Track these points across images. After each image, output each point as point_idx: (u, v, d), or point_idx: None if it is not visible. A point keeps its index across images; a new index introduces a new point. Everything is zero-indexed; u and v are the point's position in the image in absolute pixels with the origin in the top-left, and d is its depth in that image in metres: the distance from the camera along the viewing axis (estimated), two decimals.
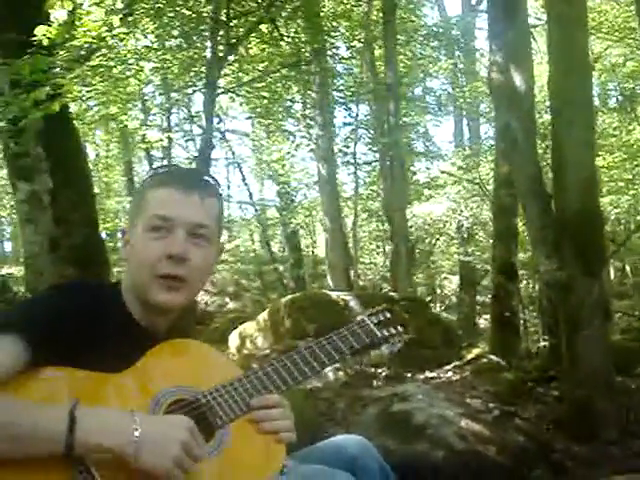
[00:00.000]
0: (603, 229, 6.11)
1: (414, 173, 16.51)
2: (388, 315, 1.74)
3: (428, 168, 16.90)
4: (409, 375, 6.62)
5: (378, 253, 18.24)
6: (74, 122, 7.48)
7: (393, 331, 1.73)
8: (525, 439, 5.18)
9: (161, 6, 8.96)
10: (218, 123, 16.06)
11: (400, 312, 1.74)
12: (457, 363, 7.17)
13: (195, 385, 1.54)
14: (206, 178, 1.72)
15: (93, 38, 7.27)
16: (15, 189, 6.79)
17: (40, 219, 6.46)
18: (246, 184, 19.41)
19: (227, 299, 15.98)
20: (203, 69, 9.75)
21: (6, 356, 1.39)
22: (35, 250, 6.55)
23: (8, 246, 22.19)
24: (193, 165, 11.15)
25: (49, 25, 6.31)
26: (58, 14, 6.90)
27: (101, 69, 8.54)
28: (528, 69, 6.49)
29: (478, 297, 14.94)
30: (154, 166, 15.03)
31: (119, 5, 8.15)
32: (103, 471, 1.33)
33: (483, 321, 14.50)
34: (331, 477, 1.47)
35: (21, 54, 6.02)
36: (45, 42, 6.03)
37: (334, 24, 13.13)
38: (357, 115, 16.04)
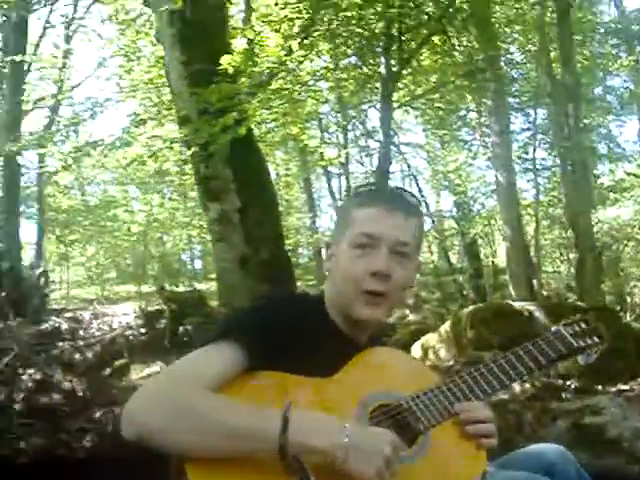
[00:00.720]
0: None
1: (597, 177, 15.80)
2: (584, 325, 1.74)
3: (612, 171, 16.10)
4: (599, 388, 6.35)
5: (562, 261, 17.59)
6: (257, 144, 7.84)
7: (589, 342, 1.72)
8: None
9: (335, 26, 9.21)
10: (393, 137, 16.22)
11: (595, 322, 1.73)
12: None
13: (398, 391, 1.62)
14: (409, 198, 1.80)
15: (273, 63, 7.61)
16: (206, 210, 7.22)
17: (231, 237, 6.84)
18: (423, 196, 19.39)
19: (407, 311, 15.99)
20: (378, 85, 9.91)
21: (227, 362, 1.53)
22: (227, 266, 6.94)
23: (198, 264, 23.47)
24: (371, 180, 11.33)
25: (232, 54, 6.70)
26: (239, 43, 7.32)
27: (282, 92, 8.91)
28: None
29: None
30: (353, 186, 15.45)
31: (296, 29, 8.48)
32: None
33: None
34: None
35: (209, 83, 6.44)
36: (230, 70, 6.41)
37: (507, 29, 12.91)
38: (535, 120, 15.63)
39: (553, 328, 1.70)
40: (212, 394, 1.49)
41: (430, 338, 8.63)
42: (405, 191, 1.84)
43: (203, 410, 1.43)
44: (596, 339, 1.73)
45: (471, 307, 9.24)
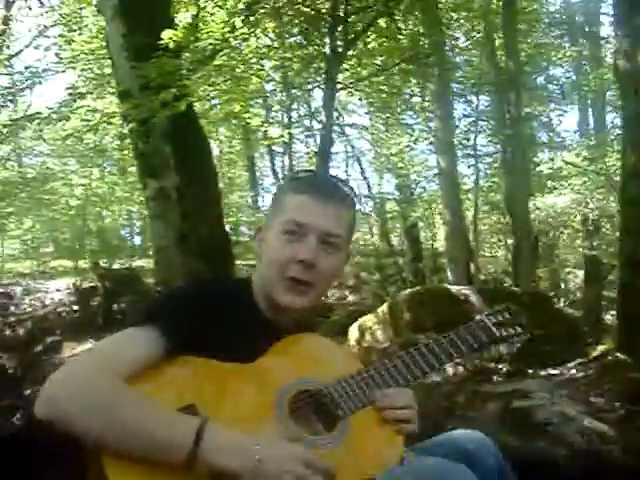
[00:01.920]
0: None
1: (537, 164, 16.07)
2: (507, 315, 1.75)
3: (552, 159, 16.41)
4: (530, 371, 6.50)
5: (500, 247, 17.92)
6: (199, 120, 7.73)
7: (512, 331, 1.74)
8: None
9: (281, 5, 9.13)
10: (337, 118, 16.23)
11: (521, 311, 1.75)
12: (581, 360, 6.97)
13: (318, 377, 1.61)
14: (343, 188, 1.79)
15: (216, 39, 7.49)
16: (145, 186, 7.10)
17: (169, 214, 6.74)
18: (365, 178, 19.53)
19: (346, 292, 16.09)
20: (322, 65, 9.87)
21: (147, 346, 1.51)
22: (164, 244, 6.84)
23: (138, 240, 23.19)
24: (314, 160, 11.32)
25: (174, 29, 6.57)
26: (182, 17, 7.18)
27: (224, 69, 8.79)
28: None
29: (605, 292, 14.42)
30: (295, 168, 15.40)
31: (241, 6, 8.37)
32: None
33: (610, 317, 13.98)
34: (450, 470, 1.49)
35: (149, 57, 6.30)
36: (171, 45, 6.29)
37: (453, 15, 12.98)
38: (477, 106, 15.81)
39: (477, 317, 1.71)
40: (131, 391, 1.47)
41: (367, 319, 8.69)
42: (341, 181, 1.83)
43: (120, 410, 1.42)
44: (518, 329, 1.75)
45: (409, 290, 9.34)
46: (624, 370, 6.44)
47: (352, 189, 1.82)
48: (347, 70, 11.76)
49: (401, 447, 1.57)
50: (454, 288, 8.40)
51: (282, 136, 14.67)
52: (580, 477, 4.42)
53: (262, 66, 10.35)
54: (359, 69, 12.16)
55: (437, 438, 1.77)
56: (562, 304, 14.63)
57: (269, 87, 14.04)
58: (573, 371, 6.57)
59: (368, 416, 1.59)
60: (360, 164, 19.82)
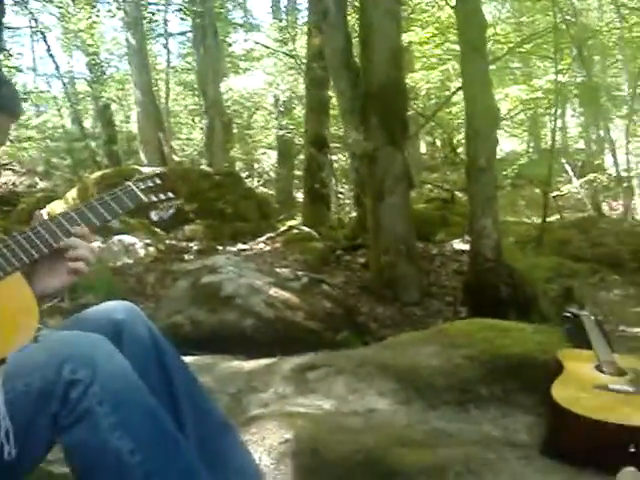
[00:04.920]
0: (407, 101, 6.26)
1: (230, 45, 16.03)
2: (158, 181, 1.67)
3: (246, 40, 16.46)
4: (221, 248, 6.64)
5: (195, 128, 17.84)
6: None
7: (162, 197, 1.66)
8: (332, 304, 5.37)
9: None
10: None
11: (174, 180, 1.67)
12: (270, 235, 7.26)
13: None
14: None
15: None
16: None
17: None
18: (52, 55, 18.08)
19: (37, 179, 15.19)
20: None
21: None
22: None
23: None
24: None
25: None
26: None
27: None
28: None
29: (297, 171, 15.09)
30: None
31: None
32: None
33: (301, 195, 14.72)
34: (84, 338, 1.41)
35: None
36: None
37: None
38: None
39: (125, 184, 1.61)
40: None
41: (56, 205, 8.32)
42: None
43: None
44: (170, 194, 1.67)
45: (99, 172, 9.03)
46: (308, 242, 6.84)
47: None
48: None
49: (33, 326, 1.43)
50: (146, 169, 8.26)
51: None
52: (268, 343, 4.63)
53: None
54: None
55: (86, 312, 1.68)
56: (256, 183, 15.11)
57: None
58: (261, 245, 6.83)
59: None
60: (45, 40, 18.31)
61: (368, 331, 5.36)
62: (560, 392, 2.45)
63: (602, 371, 2.64)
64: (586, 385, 2.54)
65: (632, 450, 2.14)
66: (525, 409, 2.68)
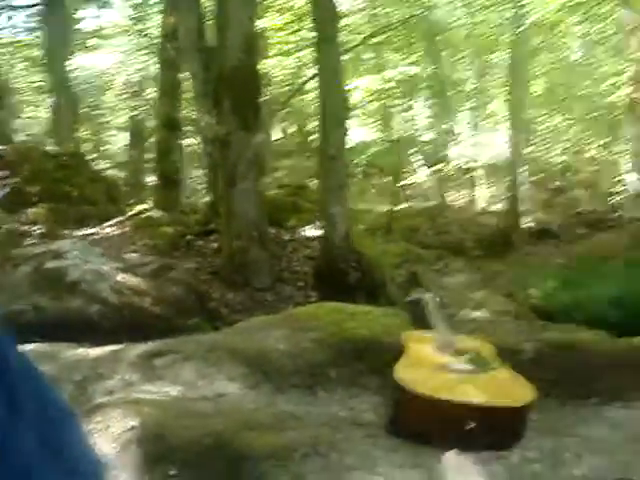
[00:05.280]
0: (260, 87, 6.24)
1: (78, 21, 15.34)
2: None
3: (97, 17, 15.82)
4: (66, 232, 6.36)
5: (41, 107, 16.99)
6: None
7: None
8: (183, 290, 5.30)
9: None
10: None
11: (11, 160, 1.59)
12: (119, 219, 7.05)
13: None
14: None
15: None
16: None
17: None
18: None
19: None
20: None
21: None
22: None
23: None
24: None
25: None
26: None
27: None
28: None
29: (149, 154, 14.69)
30: None
31: None
32: None
33: (153, 178, 14.36)
34: None
35: None
36: None
37: None
38: None
39: None
40: None
41: None
42: None
43: None
44: (3, 173, 1.59)
45: None
46: (158, 226, 6.69)
47: None
48: None
49: None
50: None
51: None
52: (115, 330, 4.51)
53: None
54: None
55: None
56: (105, 165, 14.60)
57: None
58: (109, 230, 6.62)
59: None
60: None
61: (219, 316, 5.34)
62: (403, 373, 2.54)
63: (442, 352, 2.76)
64: (428, 365, 2.65)
65: (470, 427, 2.26)
66: (372, 390, 2.76)
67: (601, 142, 14.90)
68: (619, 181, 12.79)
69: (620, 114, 12.87)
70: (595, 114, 15.44)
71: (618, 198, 12.43)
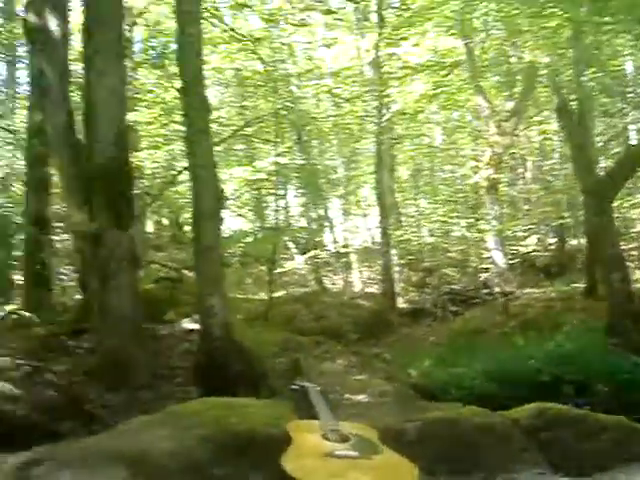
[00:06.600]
0: (132, 180, 6.21)
1: None
2: None
3: None
4: None
5: None
6: None
7: None
8: (56, 393, 5.08)
9: None
10: None
11: None
12: None
13: None
14: None
15: None
16: None
17: None
18: None
19: None
20: None
21: None
22: None
23: None
24: None
25: None
26: None
27: None
28: (63, 13, 6.30)
29: (16, 252, 14.13)
30: None
31: None
32: None
33: (21, 277, 13.80)
34: None
35: None
36: None
37: None
38: None
39: None
40: None
41: None
42: None
43: None
44: None
45: None
46: (28, 328, 6.44)
47: None
48: None
49: None
50: None
51: None
52: None
53: None
54: None
55: None
56: None
57: None
58: None
59: None
60: None
61: (97, 419, 5.13)
62: (291, 463, 2.53)
63: (328, 439, 2.77)
64: (315, 454, 2.65)
65: None
66: None
67: (466, 222, 15.59)
68: (486, 258, 13.39)
69: (482, 195, 13.57)
70: (460, 195, 16.25)
71: (487, 274, 13.00)
